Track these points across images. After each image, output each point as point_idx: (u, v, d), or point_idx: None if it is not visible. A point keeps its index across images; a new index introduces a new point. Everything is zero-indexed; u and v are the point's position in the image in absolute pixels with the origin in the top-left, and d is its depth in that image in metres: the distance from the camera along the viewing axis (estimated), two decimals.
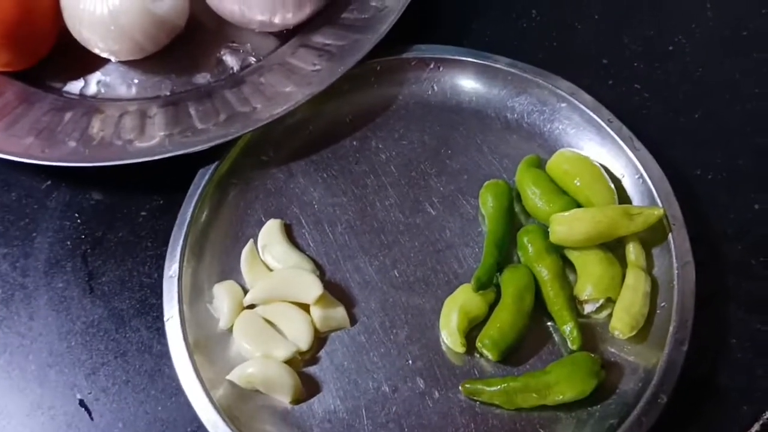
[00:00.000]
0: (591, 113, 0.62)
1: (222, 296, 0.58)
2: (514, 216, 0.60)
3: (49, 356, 0.58)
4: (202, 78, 0.68)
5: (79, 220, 0.63)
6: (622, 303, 0.55)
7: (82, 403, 0.57)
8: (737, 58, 0.70)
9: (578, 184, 0.59)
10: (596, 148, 0.62)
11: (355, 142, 0.65)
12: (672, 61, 0.70)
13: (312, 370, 0.56)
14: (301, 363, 0.56)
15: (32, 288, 0.61)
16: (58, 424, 0.56)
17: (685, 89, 0.68)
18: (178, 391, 0.55)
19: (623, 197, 0.60)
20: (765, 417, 0.55)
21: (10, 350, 0.59)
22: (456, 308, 0.56)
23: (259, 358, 0.55)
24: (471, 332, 0.56)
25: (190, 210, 0.60)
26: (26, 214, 0.64)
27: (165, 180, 0.63)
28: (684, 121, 0.67)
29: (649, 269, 0.57)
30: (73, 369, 0.58)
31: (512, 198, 0.60)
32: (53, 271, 0.61)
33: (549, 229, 0.57)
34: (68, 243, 0.62)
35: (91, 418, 0.56)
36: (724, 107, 0.67)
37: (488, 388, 0.54)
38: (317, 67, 0.65)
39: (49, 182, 0.65)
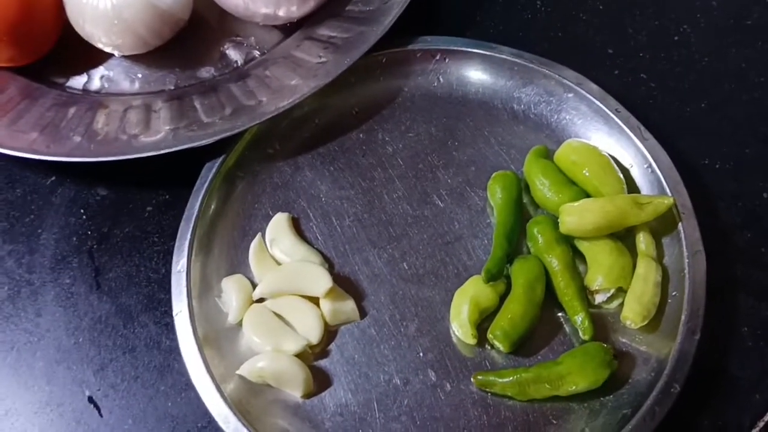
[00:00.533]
0: (598, 103, 0.62)
1: (231, 290, 0.57)
2: (522, 207, 0.60)
3: (56, 353, 0.58)
4: (206, 72, 0.68)
5: (84, 216, 0.63)
6: (633, 293, 0.55)
7: (91, 399, 0.56)
8: (742, 47, 0.70)
9: (587, 174, 0.59)
10: (604, 138, 0.62)
11: (361, 135, 0.65)
12: (677, 50, 0.70)
13: (322, 363, 0.56)
14: (311, 356, 0.56)
15: (38, 284, 0.60)
16: (66, 421, 0.56)
17: (691, 79, 0.68)
18: (187, 387, 0.55)
19: (632, 187, 0.60)
20: None
21: (17, 347, 0.58)
22: (467, 300, 0.56)
23: (270, 352, 0.55)
24: (481, 324, 0.56)
25: (197, 204, 0.59)
26: (31, 210, 0.64)
27: (171, 175, 0.63)
28: (690, 110, 0.67)
29: (659, 259, 0.57)
30: (82, 365, 0.57)
31: (521, 189, 0.60)
32: (59, 268, 0.61)
33: (558, 220, 0.57)
34: (74, 239, 0.62)
35: (101, 415, 0.56)
36: (730, 96, 0.67)
37: (500, 380, 0.53)
38: (323, 60, 0.64)
39: (53, 178, 0.65)
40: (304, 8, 0.66)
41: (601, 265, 0.56)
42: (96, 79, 0.68)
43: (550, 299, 0.56)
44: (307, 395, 0.55)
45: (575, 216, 0.56)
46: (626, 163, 0.61)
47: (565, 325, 0.56)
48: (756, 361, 0.56)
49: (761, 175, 0.63)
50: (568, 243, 0.58)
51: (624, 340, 0.56)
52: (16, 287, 0.60)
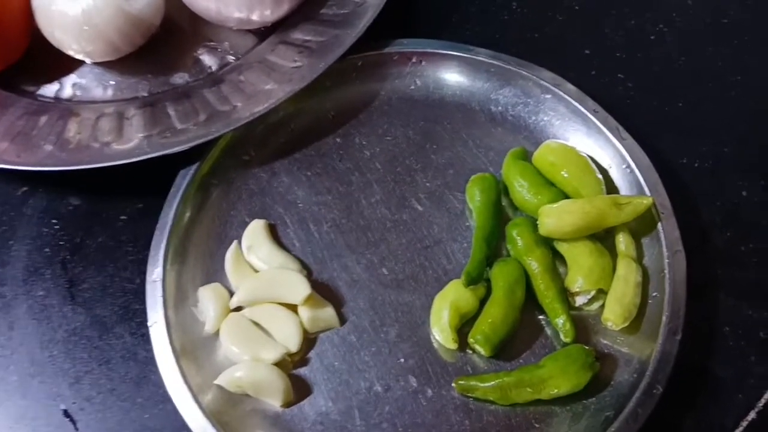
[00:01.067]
0: (576, 104, 0.62)
1: (207, 299, 0.56)
2: (501, 210, 0.60)
3: (30, 366, 0.57)
4: (180, 78, 0.67)
5: (57, 226, 0.62)
6: (614, 294, 0.55)
7: (66, 413, 0.55)
8: (719, 46, 0.70)
9: (565, 175, 0.59)
10: (582, 138, 0.62)
11: (338, 139, 0.64)
12: (654, 50, 0.70)
13: (302, 371, 0.55)
14: (290, 365, 0.55)
15: (10, 297, 0.59)
16: None
17: (668, 78, 0.68)
18: (165, 398, 0.54)
19: (611, 188, 0.60)
20: (760, 405, 0.54)
21: None
22: (447, 304, 0.55)
23: (248, 362, 0.54)
24: (462, 328, 0.55)
25: (172, 212, 0.58)
26: (2, 221, 0.62)
27: (145, 183, 0.62)
28: (668, 110, 0.67)
29: (639, 259, 0.57)
30: (56, 379, 0.56)
31: (499, 191, 0.60)
32: (32, 279, 0.60)
33: (538, 222, 0.57)
34: (47, 250, 0.61)
35: (76, 429, 0.55)
36: (708, 95, 0.67)
37: (482, 384, 0.53)
38: (298, 64, 0.63)
39: (25, 188, 0.64)
40: (278, 12, 0.65)
41: (581, 267, 0.56)
42: (68, 86, 0.67)
43: (530, 302, 0.56)
44: (287, 404, 0.54)
45: (554, 218, 0.56)
46: (605, 164, 0.61)
47: (546, 328, 0.56)
48: (738, 360, 0.56)
49: (739, 173, 0.63)
50: (548, 245, 0.57)
51: (605, 342, 0.55)
52: None
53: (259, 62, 0.66)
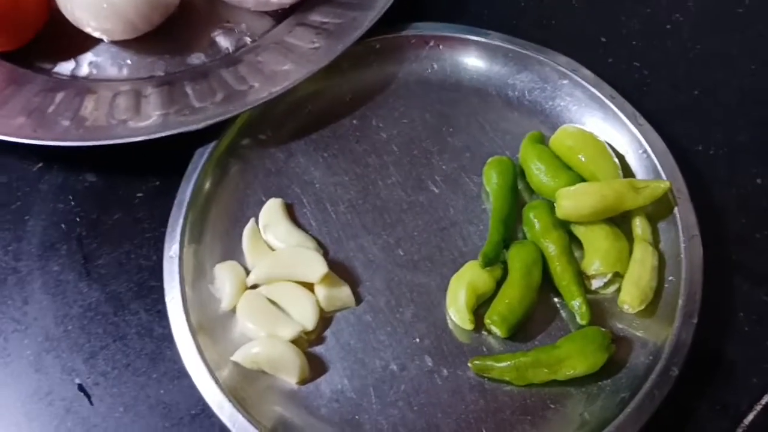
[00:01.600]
0: (593, 89, 0.62)
1: (224, 277, 0.56)
2: (518, 192, 0.60)
3: (45, 341, 0.57)
4: (197, 59, 0.67)
5: (73, 203, 0.62)
6: (631, 277, 0.55)
7: (81, 387, 0.55)
8: (734, 34, 0.70)
9: (583, 159, 0.59)
10: (599, 124, 0.62)
11: (355, 121, 0.64)
12: (670, 38, 0.70)
13: (318, 350, 0.55)
14: (306, 343, 0.55)
15: (26, 272, 0.59)
16: (56, 409, 0.54)
17: (684, 66, 0.68)
18: (180, 374, 0.54)
19: (627, 173, 0.60)
20: None
21: (4, 336, 0.57)
22: (463, 285, 0.55)
23: (264, 338, 0.54)
24: (478, 309, 0.55)
25: (189, 189, 0.58)
26: (18, 197, 0.62)
27: (161, 161, 0.62)
28: (683, 97, 0.67)
29: (655, 243, 0.57)
30: (71, 354, 0.56)
31: (516, 174, 0.60)
32: (47, 255, 0.60)
33: (555, 204, 0.57)
34: (62, 226, 0.61)
35: (91, 403, 0.55)
36: (723, 83, 0.68)
37: (498, 364, 0.53)
38: (315, 45, 0.64)
39: (41, 164, 0.63)
40: None
41: (598, 250, 0.56)
42: (84, 65, 0.67)
43: (546, 284, 0.56)
44: (303, 381, 0.54)
45: (572, 200, 0.56)
46: (621, 149, 0.61)
47: (561, 311, 0.56)
48: (753, 345, 0.56)
49: (754, 161, 0.63)
50: (565, 228, 0.57)
51: (621, 326, 0.55)
52: (2, 275, 0.59)
53: (276, 44, 0.66)
